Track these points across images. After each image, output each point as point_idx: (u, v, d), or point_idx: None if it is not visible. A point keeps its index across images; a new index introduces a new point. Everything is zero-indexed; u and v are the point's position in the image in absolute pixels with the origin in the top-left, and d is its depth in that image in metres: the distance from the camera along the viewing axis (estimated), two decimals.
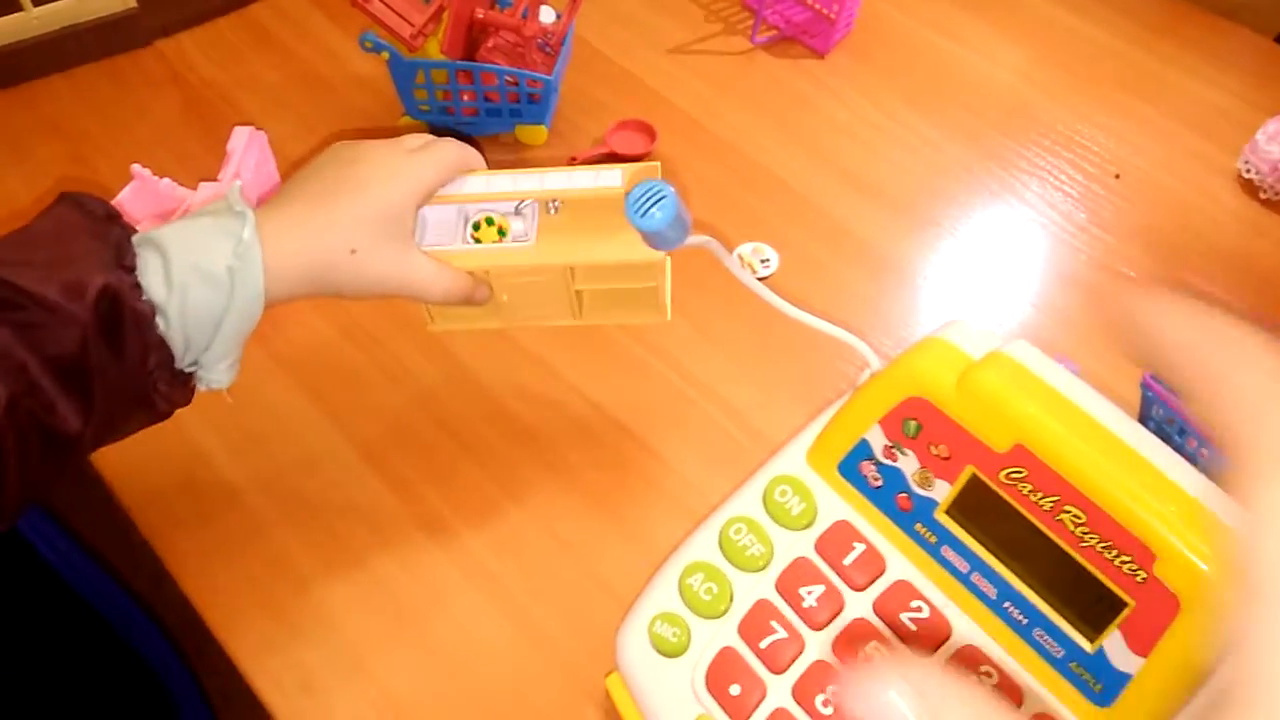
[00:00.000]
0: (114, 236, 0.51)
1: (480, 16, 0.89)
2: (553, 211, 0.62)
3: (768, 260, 0.88)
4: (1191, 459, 0.73)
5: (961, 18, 1.11)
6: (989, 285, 0.88)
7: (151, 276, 0.50)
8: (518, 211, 0.61)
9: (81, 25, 1.01)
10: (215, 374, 0.54)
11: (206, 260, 0.51)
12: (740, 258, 0.89)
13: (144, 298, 0.50)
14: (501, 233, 0.60)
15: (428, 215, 0.61)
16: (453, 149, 0.61)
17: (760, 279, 0.87)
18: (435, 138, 0.62)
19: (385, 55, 0.89)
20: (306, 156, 0.95)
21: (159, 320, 0.50)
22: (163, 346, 0.51)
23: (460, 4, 0.88)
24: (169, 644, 0.98)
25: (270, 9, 1.09)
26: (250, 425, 0.77)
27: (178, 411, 0.55)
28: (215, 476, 0.74)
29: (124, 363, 0.49)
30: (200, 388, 0.55)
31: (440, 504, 0.73)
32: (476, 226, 0.61)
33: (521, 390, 0.80)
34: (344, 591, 0.69)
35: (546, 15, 0.92)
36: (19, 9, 0.98)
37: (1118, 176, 0.96)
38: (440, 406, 0.79)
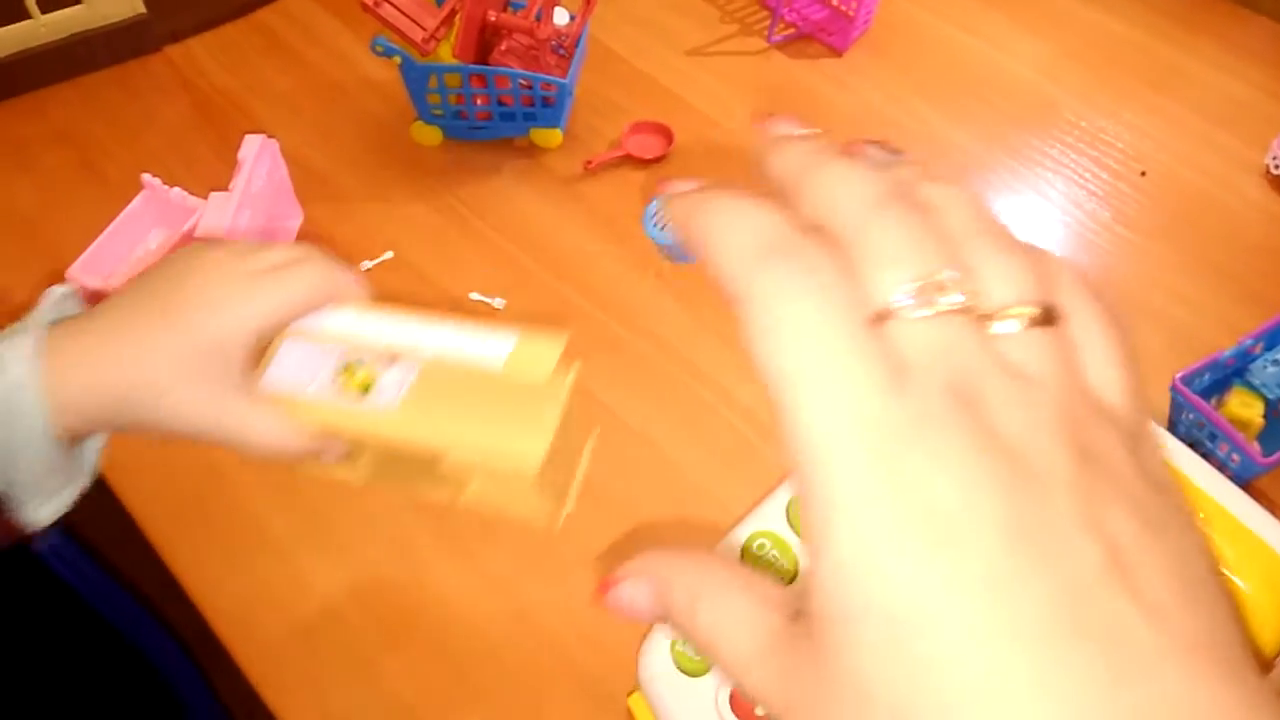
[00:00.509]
0: None
1: (493, 19, 0.88)
2: (424, 364, 0.49)
3: None
4: (1223, 465, 0.72)
5: (981, 12, 1.09)
6: None
7: None
8: (393, 361, 0.48)
9: (90, 32, 1.01)
10: (34, 512, 0.46)
11: None
12: None
13: None
14: (366, 387, 0.48)
15: (289, 349, 0.49)
16: (314, 275, 0.49)
17: None
18: (300, 256, 0.49)
19: (397, 60, 0.88)
20: (320, 163, 0.94)
21: None
22: None
23: (472, 7, 0.86)
24: (181, 651, 0.97)
25: (280, 14, 1.09)
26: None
27: None
28: (225, 487, 0.74)
29: None
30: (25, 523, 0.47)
31: (457, 514, 0.72)
32: (337, 373, 0.48)
33: None
34: (357, 602, 0.68)
35: (560, 17, 0.91)
36: (27, 16, 0.97)
37: (1143, 174, 0.94)
38: None
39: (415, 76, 0.90)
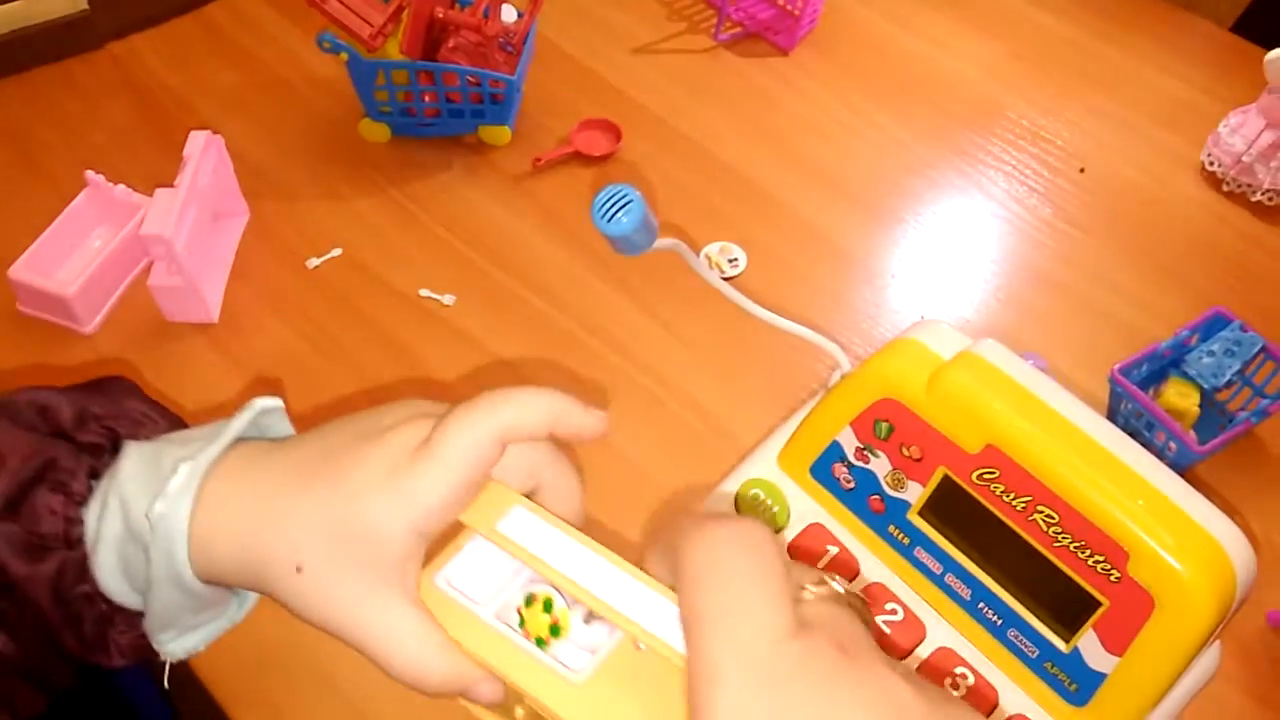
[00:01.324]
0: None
1: (440, 16, 0.88)
2: (641, 648, 0.36)
3: (735, 260, 0.88)
4: (1160, 453, 0.74)
5: (925, 13, 1.11)
6: (957, 281, 0.88)
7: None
8: (591, 617, 0.37)
9: (31, 28, 0.99)
10: (164, 644, 0.41)
11: (134, 503, 0.38)
12: (708, 258, 0.88)
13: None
14: (555, 630, 0.37)
15: (476, 549, 0.39)
16: (539, 409, 0.41)
17: (728, 278, 0.87)
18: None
19: (344, 56, 0.88)
20: (267, 160, 0.93)
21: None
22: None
23: (420, 3, 0.86)
24: (150, 682, 0.96)
25: (226, 10, 1.07)
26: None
27: None
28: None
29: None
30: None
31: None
32: (529, 601, 0.37)
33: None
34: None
35: (508, 14, 0.91)
36: None
37: (1082, 170, 0.96)
38: None
39: (362, 73, 0.90)
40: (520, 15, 0.91)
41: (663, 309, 0.83)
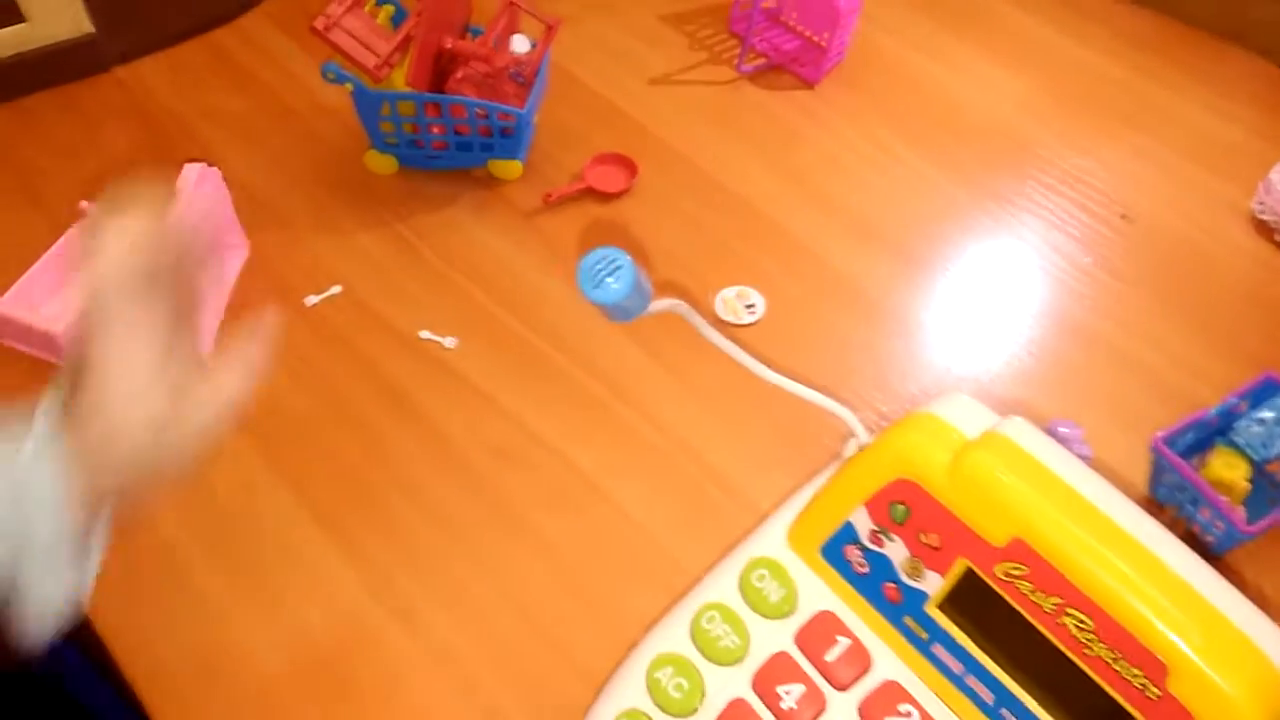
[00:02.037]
0: None
1: (449, 46, 0.84)
2: None
3: (753, 305, 0.83)
4: (1205, 530, 0.68)
5: (957, 45, 1.06)
6: (987, 334, 0.83)
7: None
8: None
9: (33, 51, 0.96)
10: (40, 606, 0.44)
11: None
12: (724, 301, 0.83)
13: None
14: None
15: None
16: None
17: (745, 325, 0.82)
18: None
19: (349, 87, 0.84)
20: (270, 190, 0.90)
21: None
22: None
23: (427, 33, 0.83)
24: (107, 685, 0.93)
25: (235, 34, 1.05)
26: (203, 484, 0.72)
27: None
28: (157, 538, 0.69)
29: None
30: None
31: (399, 573, 0.68)
32: None
33: (490, 445, 0.75)
34: (294, 668, 0.64)
35: (520, 44, 0.87)
36: None
37: (1124, 217, 0.91)
38: (403, 464, 0.73)
39: (368, 104, 0.86)
40: (533, 45, 0.88)
41: (673, 358, 0.79)
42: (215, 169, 0.81)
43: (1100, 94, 1.02)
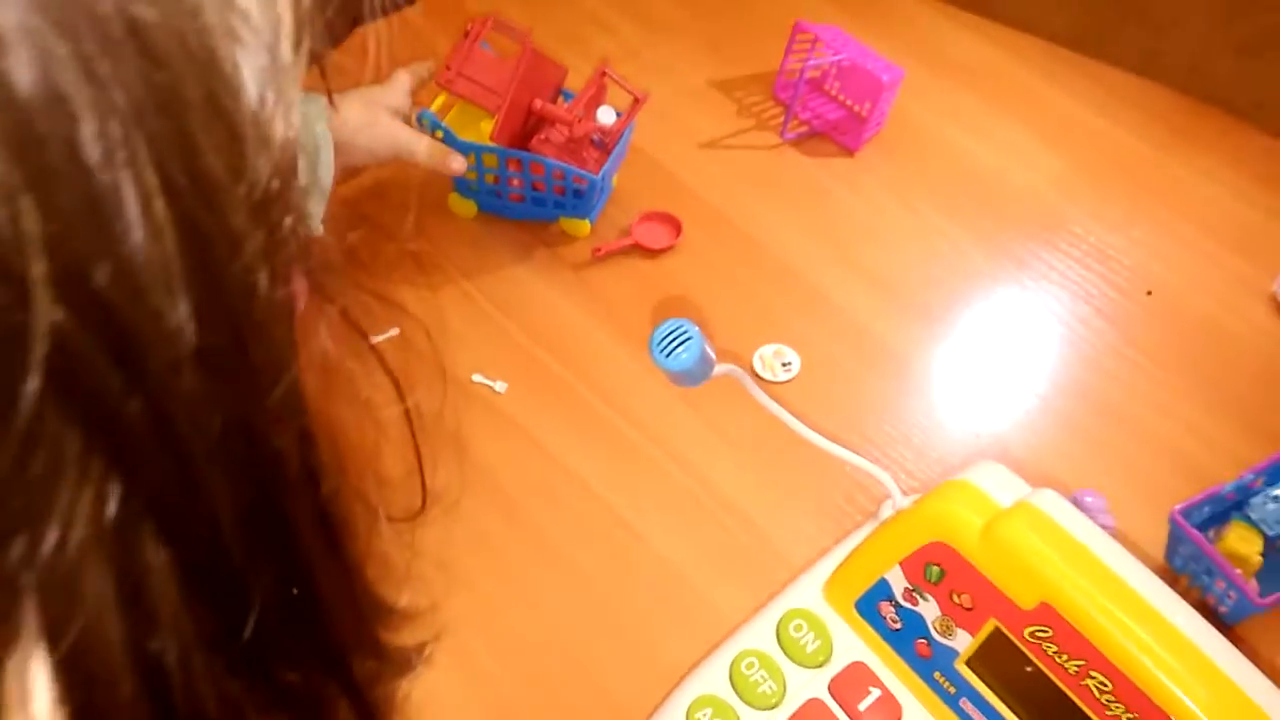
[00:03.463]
0: None
1: (538, 108, 0.90)
2: None
3: (789, 364, 0.87)
4: (1219, 601, 0.71)
5: (993, 120, 1.10)
6: (1016, 402, 0.86)
7: None
8: None
9: None
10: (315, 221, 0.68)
11: None
12: (762, 359, 0.87)
13: None
14: None
15: None
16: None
17: (781, 382, 0.86)
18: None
19: (439, 134, 0.90)
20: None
21: None
22: None
23: (519, 92, 0.88)
24: None
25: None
26: None
27: None
28: None
29: None
30: None
31: (446, 601, 0.72)
32: None
33: (533, 484, 0.78)
34: None
35: (606, 115, 0.92)
36: None
37: (1149, 293, 0.94)
38: (451, 500, 0.77)
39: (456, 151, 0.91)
40: (619, 115, 0.93)
41: (715, 414, 0.83)
42: None
43: (1130, 172, 1.05)
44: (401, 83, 0.88)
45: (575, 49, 1.11)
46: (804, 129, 1.08)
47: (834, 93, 1.10)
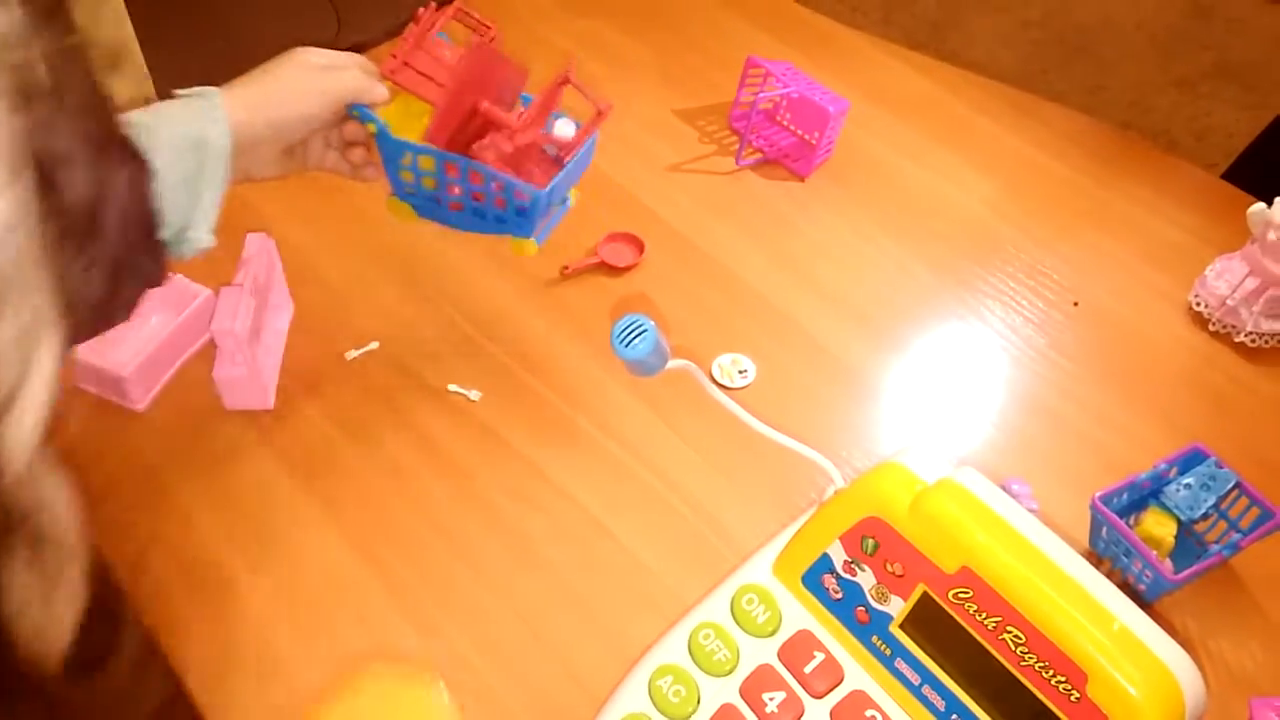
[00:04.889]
0: None
1: (483, 109, 0.79)
2: None
3: (745, 371, 0.94)
4: (1137, 579, 0.78)
5: (935, 149, 1.18)
6: (952, 404, 0.93)
7: None
8: None
9: None
10: (196, 241, 0.68)
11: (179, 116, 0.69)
12: (720, 366, 0.94)
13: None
14: None
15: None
16: (354, 78, 0.79)
17: (737, 388, 0.92)
18: (348, 63, 0.80)
19: (372, 127, 0.80)
20: (307, 249, 1.00)
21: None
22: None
23: (465, 89, 0.78)
24: None
25: None
26: (247, 509, 0.81)
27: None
28: (211, 557, 0.78)
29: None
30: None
31: (425, 597, 0.77)
32: None
33: (508, 488, 0.84)
34: (324, 677, 0.72)
35: (565, 128, 0.85)
36: None
37: (1076, 304, 1.02)
38: (432, 503, 0.83)
39: (390, 150, 0.82)
40: (578, 126, 0.84)
41: (675, 416, 0.89)
42: (271, 238, 0.91)
43: (1059, 197, 1.14)
44: (350, 70, 0.79)
45: (541, 85, 1.18)
46: (758, 156, 1.15)
47: (785, 122, 1.18)
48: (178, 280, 0.90)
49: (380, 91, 0.78)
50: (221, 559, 0.78)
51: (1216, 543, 0.82)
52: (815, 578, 0.66)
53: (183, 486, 0.83)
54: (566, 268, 1.01)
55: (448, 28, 0.84)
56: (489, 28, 0.83)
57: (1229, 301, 0.98)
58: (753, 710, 0.64)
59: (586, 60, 1.24)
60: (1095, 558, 0.82)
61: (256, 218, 1.04)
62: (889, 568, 0.62)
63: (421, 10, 0.81)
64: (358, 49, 1.13)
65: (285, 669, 0.73)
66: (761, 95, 1.12)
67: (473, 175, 0.81)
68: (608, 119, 0.83)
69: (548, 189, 0.81)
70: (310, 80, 0.76)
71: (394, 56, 0.80)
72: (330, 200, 1.06)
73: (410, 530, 0.81)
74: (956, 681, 0.61)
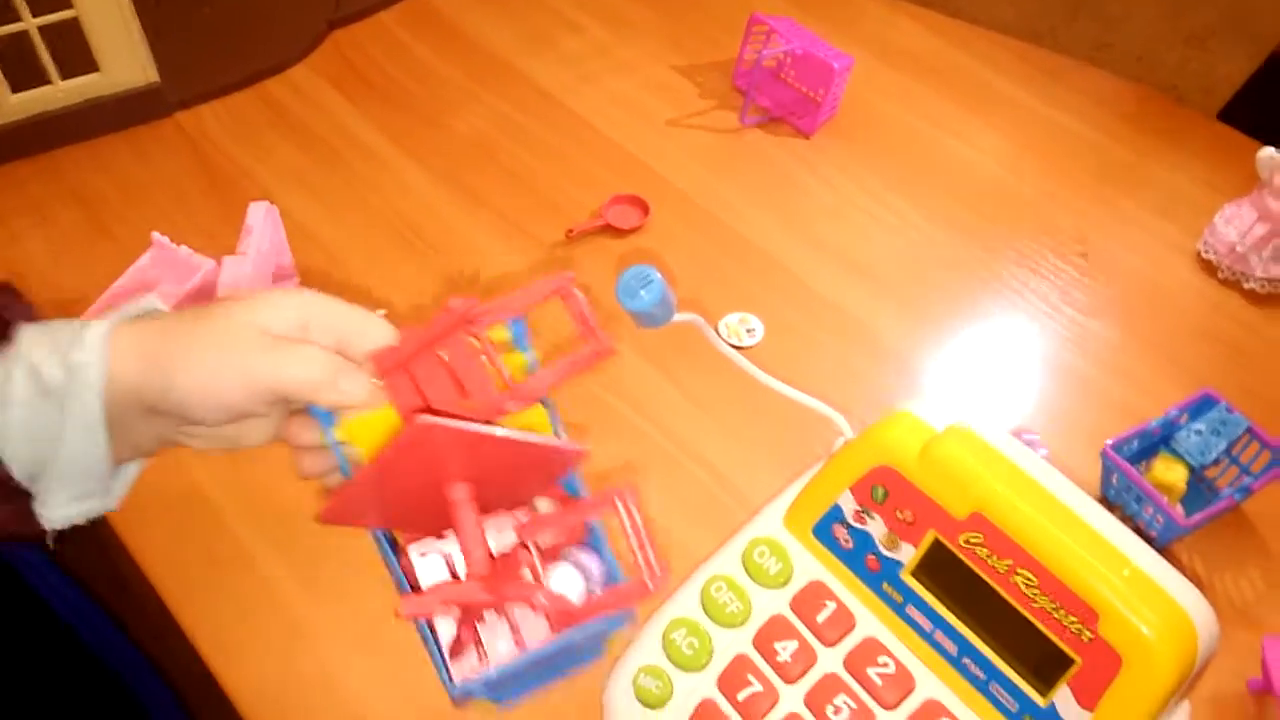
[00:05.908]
0: None
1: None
2: None
3: (753, 329, 0.93)
4: (1148, 525, 0.78)
5: (940, 104, 1.17)
6: (962, 358, 0.93)
7: None
8: None
9: (105, 98, 1.07)
10: (52, 509, 0.49)
11: (45, 365, 0.47)
12: (727, 326, 0.94)
13: None
14: None
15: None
16: (314, 363, 0.51)
17: (745, 347, 0.92)
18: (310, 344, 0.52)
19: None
20: (314, 224, 1.00)
21: None
22: None
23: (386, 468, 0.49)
24: (170, 693, 1.01)
25: (286, 85, 1.15)
26: (256, 478, 0.81)
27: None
28: (224, 530, 0.78)
29: None
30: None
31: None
32: None
33: None
34: (343, 643, 0.73)
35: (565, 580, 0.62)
36: (47, 82, 1.04)
37: (1084, 255, 1.01)
38: None
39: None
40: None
41: (682, 375, 0.89)
42: (275, 207, 0.91)
43: (1069, 151, 1.13)
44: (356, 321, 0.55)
45: (545, 49, 1.18)
46: (762, 114, 1.14)
47: (789, 80, 1.17)
48: (181, 252, 0.90)
49: (347, 393, 0.51)
50: (240, 538, 0.79)
51: (1228, 487, 0.81)
52: (826, 528, 0.66)
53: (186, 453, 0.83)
54: (571, 231, 1.00)
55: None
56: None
57: (1238, 248, 0.97)
58: (766, 660, 0.64)
59: (589, 24, 1.24)
60: (1107, 505, 0.82)
61: (258, 184, 1.04)
62: (899, 515, 0.62)
63: (454, 301, 0.54)
64: (360, 16, 1.14)
65: (292, 626, 0.73)
66: (765, 52, 1.11)
67: None
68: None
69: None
70: (240, 359, 0.49)
71: (397, 350, 0.54)
72: (334, 169, 1.06)
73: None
74: (968, 625, 0.60)
